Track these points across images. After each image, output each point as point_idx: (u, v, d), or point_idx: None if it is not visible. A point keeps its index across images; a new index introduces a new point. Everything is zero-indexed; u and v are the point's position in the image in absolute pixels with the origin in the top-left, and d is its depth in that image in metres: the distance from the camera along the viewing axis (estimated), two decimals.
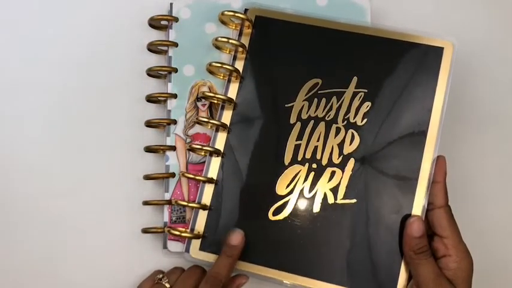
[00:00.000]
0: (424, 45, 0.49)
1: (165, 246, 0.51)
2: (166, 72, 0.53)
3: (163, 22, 0.54)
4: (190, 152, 0.51)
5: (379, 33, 0.50)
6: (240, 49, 0.51)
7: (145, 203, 0.51)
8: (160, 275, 0.49)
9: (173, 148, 0.51)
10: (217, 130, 0.50)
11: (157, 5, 0.54)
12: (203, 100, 0.52)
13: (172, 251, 0.51)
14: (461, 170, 0.54)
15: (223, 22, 0.52)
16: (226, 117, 0.50)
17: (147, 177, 0.51)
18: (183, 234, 0.49)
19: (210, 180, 0.50)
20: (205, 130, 0.52)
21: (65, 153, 0.53)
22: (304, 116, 0.50)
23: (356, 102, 0.49)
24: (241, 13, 0.51)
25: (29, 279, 0.52)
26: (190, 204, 0.49)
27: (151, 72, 0.53)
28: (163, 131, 0.53)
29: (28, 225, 0.52)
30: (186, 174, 0.50)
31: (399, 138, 0.48)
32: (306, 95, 0.50)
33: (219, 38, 0.51)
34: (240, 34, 0.52)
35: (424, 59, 0.49)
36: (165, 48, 0.53)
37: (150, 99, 0.53)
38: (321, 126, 0.49)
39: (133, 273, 0.52)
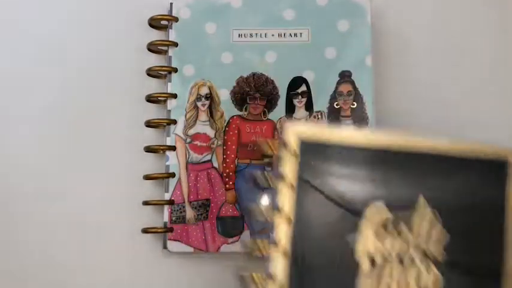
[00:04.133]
0: (489, 160, 0.44)
1: (165, 246, 0.51)
2: (166, 72, 0.53)
3: (163, 22, 0.53)
4: (190, 152, 0.51)
5: (436, 151, 0.44)
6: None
7: (145, 203, 0.51)
8: None
9: (173, 148, 0.51)
10: None
11: (157, 5, 0.54)
12: (203, 100, 0.52)
13: (172, 251, 0.51)
14: None
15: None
16: (280, 268, 0.41)
17: (147, 177, 0.51)
18: None
19: None
20: (205, 130, 0.52)
21: (65, 153, 0.53)
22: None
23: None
24: (284, 145, 0.41)
25: (28, 279, 0.52)
26: None
27: (151, 72, 0.53)
28: (163, 131, 0.53)
29: (28, 226, 0.52)
30: None
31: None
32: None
33: None
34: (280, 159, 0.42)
35: (490, 174, 0.44)
36: (165, 48, 0.53)
37: (150, 99, 0.53)
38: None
39: (133, 273, 0.52)
